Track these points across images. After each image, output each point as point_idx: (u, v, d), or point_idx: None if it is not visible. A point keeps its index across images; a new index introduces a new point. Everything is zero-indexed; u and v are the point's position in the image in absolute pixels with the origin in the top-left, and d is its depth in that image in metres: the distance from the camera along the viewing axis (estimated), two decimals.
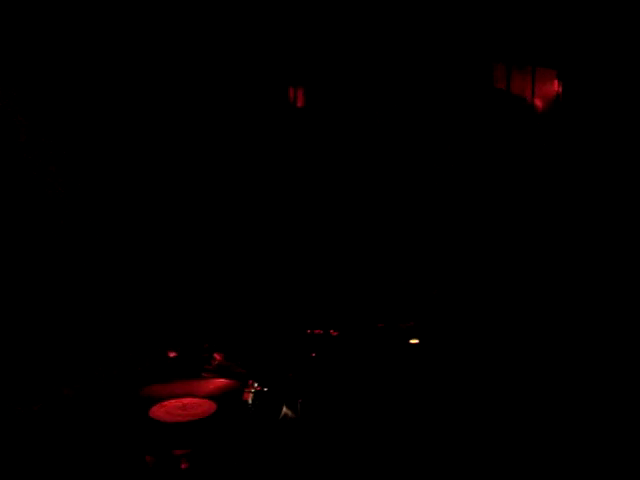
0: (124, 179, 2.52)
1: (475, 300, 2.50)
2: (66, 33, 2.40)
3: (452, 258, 2.66)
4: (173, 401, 1.81)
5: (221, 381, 1.90)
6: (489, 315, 2.42)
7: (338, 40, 2.93)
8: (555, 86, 3.52)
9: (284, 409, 1.77)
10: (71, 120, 2.43)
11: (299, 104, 3.21)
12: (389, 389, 1.96)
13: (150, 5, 2.60)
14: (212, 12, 2.77)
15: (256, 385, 1.82)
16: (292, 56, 2.92)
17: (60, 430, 1.70)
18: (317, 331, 2.23)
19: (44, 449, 1.62)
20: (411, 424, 1.83)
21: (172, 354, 2.12)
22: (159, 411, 1.76)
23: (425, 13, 3.15)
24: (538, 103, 3.93)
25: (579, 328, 2.26)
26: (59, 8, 2.39)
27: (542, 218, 2.75)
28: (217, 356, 2.01)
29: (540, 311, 2.39)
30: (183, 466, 1.59)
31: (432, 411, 1.88)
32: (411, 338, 2.20)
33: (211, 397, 1.83)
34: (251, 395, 1.79)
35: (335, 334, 2.23)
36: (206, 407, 1.78)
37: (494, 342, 2.25)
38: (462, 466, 1.71)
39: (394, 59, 2.99)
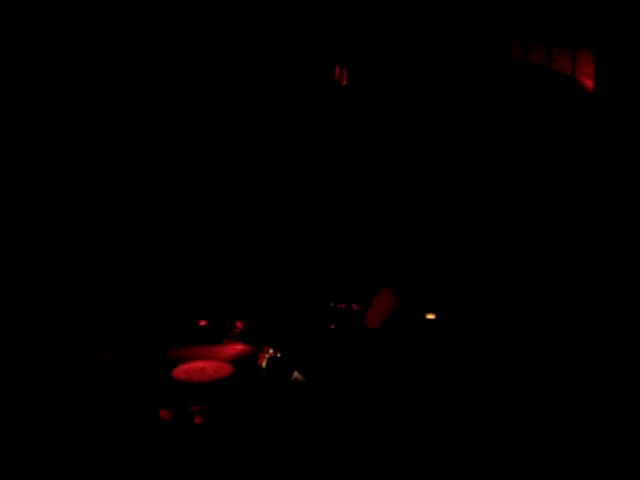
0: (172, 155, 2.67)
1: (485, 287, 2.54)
2: (66, 33, 2.53)
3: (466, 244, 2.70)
4: (194, 363, 1.97)
5: (239, 347, 2.04)
6: (499, 303, 2.46)
7: (376, 21, 3.00)
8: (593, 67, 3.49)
9: (295, 373, 1.90)
10: (70, 118, 2.57)
11: (344, 82, 3.30)
12: (399, 364, 2.06)
13: None
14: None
15: (271, 351, 1.96)
16: (337, 36, 3.02)
17: (92, 389, 1.88)
18: (340, 305, 2.35)
19: (73, 408, 1.80)
20: (416, 401, 1.92)
21: (202, 322, 2.28)
22: (181, 372, 1.92)
23: None
24: (587, 83, 3.89)
25: (585, 325, 2.26)
26: (60, 7, 2.51)
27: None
28: (239, 324, 2.16)
29: (544, 305, 2.40)
30: (197, 421, 1.74)
31: (438, 391, 1.96)
32: (428, 313, 2.29)
33: (230, 361, 1.97)
34: (265, 360, 1.93)
35: (357, 308, 2.34)
36: (224, 369, 1.93)
37: (503, 331, 2.29)
38: (458, 448, 1.79)
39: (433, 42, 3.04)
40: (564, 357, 2.00)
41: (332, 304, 2.34)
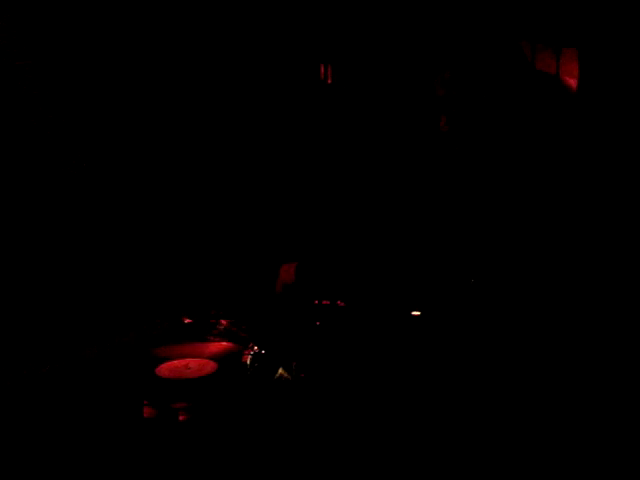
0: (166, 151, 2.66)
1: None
2: (66, 33, 2.52)
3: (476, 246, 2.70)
4: (178, 361, 1.96)
5: (224, 344, 2.04)
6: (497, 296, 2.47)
7: (365, 18, 3.01)
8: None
9: (280, 371, 1.90)
10: (72, 118, 2.57)
11: (329, 81, 3.31)
12: (384, 358, 2.06)
13: None
14: None
15: (255, 348, 1.95)
16: (322, 35, 3.02)
17: (75, 387, 1.87)
18: (325, 302, 2.35)
19: (54, 404, 1.78)
20: (403, 393, 1.92)
21: (187, 320, 2.28)
22: (165, 369, 1.92)
23: None
24: (571, 82, 3.91)
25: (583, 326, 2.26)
26: (61, 7, 2.50)
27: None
28: (223, 322, 2.16)
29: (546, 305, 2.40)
30: (181, 418, 1.74)
31: (426, 384, 1.96)
32: (413, 310, 2.29)
33: (213, 358, 1.97)
34: (250, 357, 1.93)
35: (342, 305, 2.34)
36: (208, 367, 1.93)
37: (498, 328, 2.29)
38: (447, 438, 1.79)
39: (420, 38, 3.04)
40: (558, 354, 2.01)
41: (317, 301, 2.34)
